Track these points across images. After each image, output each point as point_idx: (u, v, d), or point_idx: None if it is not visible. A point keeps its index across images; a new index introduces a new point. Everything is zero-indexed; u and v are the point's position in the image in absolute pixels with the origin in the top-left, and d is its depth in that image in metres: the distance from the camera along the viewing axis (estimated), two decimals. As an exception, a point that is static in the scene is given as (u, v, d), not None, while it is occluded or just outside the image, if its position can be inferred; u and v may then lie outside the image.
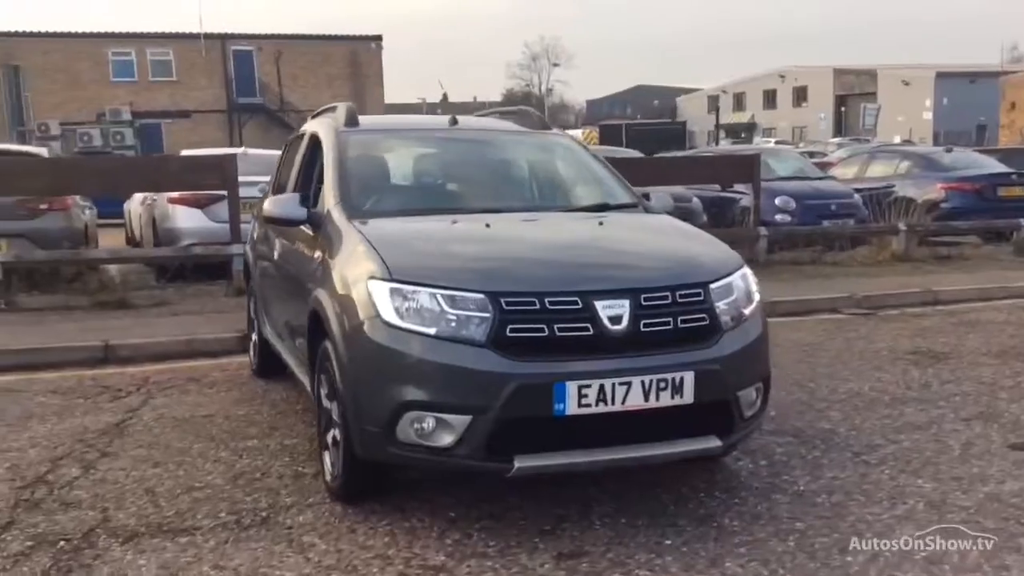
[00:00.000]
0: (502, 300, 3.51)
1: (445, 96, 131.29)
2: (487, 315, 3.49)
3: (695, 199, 12.79)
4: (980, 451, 4.74)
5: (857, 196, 13.41)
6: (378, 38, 43.89)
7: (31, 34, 39.28)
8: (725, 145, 39.86)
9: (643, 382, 3.53)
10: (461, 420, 3.46)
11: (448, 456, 3.52)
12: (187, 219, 10.01)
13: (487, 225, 4.18)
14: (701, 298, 3.78)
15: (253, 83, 40.21)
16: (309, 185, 5.03)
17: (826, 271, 11.16)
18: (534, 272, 3.75)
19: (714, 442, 3.73)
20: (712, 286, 3.84)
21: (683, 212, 12.49)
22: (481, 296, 3.52)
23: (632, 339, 3.59)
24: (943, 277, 10.63)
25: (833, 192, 13.44)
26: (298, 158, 5.46)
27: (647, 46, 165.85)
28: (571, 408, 3.45)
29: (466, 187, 4.91)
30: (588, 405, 3.47)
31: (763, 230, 11.29)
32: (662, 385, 3.56)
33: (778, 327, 8.17)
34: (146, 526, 3.78)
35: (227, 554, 3.52)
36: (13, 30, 39.33)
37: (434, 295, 3.55)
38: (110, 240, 13.76)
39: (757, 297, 4.10)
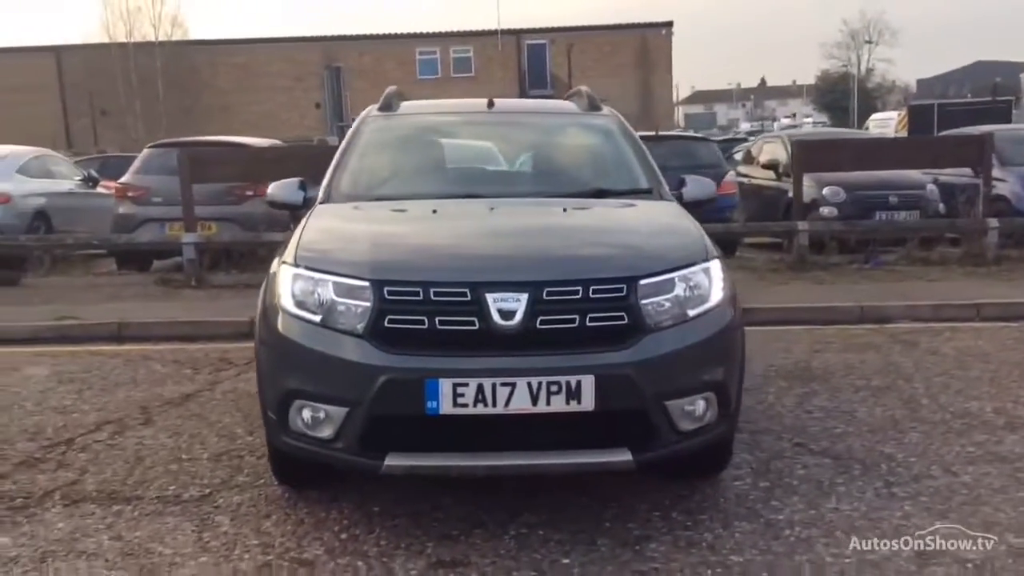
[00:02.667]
0: (384, 289, 3.33)
1: (763, 81, 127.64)
2: (368, 304, 3.34)
3: (930, 186, 11.46)
4: (1057, 495, 3.85)
5: None
6: (668, 24, 43.26)
7: (349, 37, 42.90)
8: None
9: (530, 384, 3.20)
10: (338, 412, 3.33)
11: (329, 448, 3.40)
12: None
13: (434, 211, 4.00)
14: (622, 294, 3.36)
15: (544, 75, 41.23)
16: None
17: (1075, 271, 9.54)
18: (426, 261, 3.54)
19: (624, 456, 3.31)
20: (643, 282, 3.40)
21: (915, 200, 11.30)
22: (366, 284, 3.36)
23: (526, 336, 3.27)
24: None
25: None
26: None
27: (986, 18, 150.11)
28: (445, 407, 3.21)
29: (460, 172, 4.73)
30: (465, 405, 3.21)
31: (992, 222, 9.84)
32: (554, 389, 3.21)
33: (962, 333, 7.15)
34: (99, 492, 4.00)
35: (136, 526, 3.64)
36: (335, 34, 43.15)
37: (325, 282, 3.44)
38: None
39: (719, 297, 3.58)
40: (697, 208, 4.67)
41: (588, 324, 3.31)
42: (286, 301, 3.51)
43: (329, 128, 39.64)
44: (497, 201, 4.24)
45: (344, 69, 41.75)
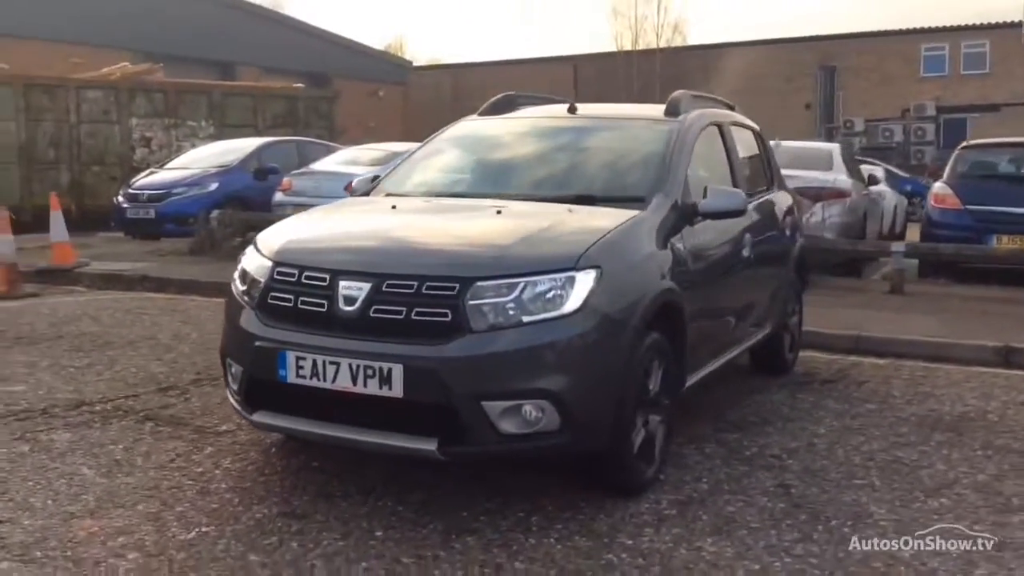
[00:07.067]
0: (276, 269, 3.87)
1: None
2: (263, 280, 3.90)
3: None
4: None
5: None
6: None
7: (847, 35, 41.23)
8: None
9: (351, 365, 3.55)
10: (239, 370, 3.95)
11: (235, 399, 4.02)
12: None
13: (393, 207, 4.46)
14: (452, 293, 3.52)
15: (1079, 72, 35.73)
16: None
17: None
18: (312, 248, 4.02)
19: (429, 445, 3.49)
20: (480, 283, 3.53)
21: None
22: (269, 264, 3.93)
23: (361, 323, 3.61)
24: None
25: None
26: None
27: None
28: (291, 377, 3.68)
29: (479, 175, 5.01)
30: (304, 377, 3.64)
31: None
32: (369, 372, 3.53)
33: None
34: (151, 411, 5.07)
35: (102, 427, 4.73)
36: (830, 33, 41.78)
37: (254, 260, 4.06)
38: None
39: (575, 306, 3.53)
40: (717, 219, 4.49)
41: (414, 318, 3.54)
42: (236, 273, 4.20)
43: (817, 130, 38.59)
44: (467, 202, 4.58)
45: (840, 69, 40.37)
